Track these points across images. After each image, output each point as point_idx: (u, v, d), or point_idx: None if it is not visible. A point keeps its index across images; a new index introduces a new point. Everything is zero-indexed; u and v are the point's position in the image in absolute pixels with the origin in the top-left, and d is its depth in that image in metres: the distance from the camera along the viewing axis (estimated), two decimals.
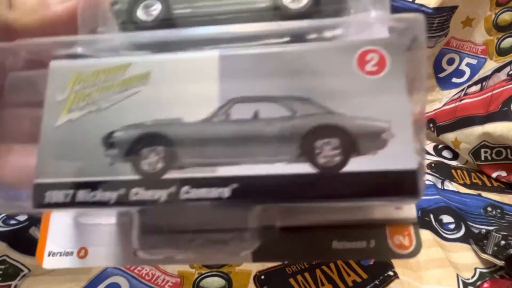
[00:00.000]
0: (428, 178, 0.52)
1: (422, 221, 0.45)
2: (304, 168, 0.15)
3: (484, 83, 0.56)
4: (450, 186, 0.52)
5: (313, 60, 0.16)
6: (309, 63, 0.16)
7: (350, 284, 0.36)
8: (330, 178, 0.15)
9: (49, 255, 0.20)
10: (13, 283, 0.35)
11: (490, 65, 0.62)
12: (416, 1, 0.59)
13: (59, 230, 0.21)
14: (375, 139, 0.15)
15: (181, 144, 0.15)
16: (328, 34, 0.17)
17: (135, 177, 0.15)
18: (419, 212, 0.46)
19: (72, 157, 0.16)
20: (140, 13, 0.18)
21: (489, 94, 0.52)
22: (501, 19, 0.61)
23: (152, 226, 0.18)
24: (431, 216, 0.46)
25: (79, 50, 0.18)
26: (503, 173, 0.52)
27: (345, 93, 0.15)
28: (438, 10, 0.59)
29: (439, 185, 0.52)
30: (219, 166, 0.15)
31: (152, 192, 0.15)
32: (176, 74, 0.16)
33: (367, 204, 0.17)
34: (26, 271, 0.36)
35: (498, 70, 0.55)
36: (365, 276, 0.37)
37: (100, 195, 0.15)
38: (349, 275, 0.37)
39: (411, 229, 0.20)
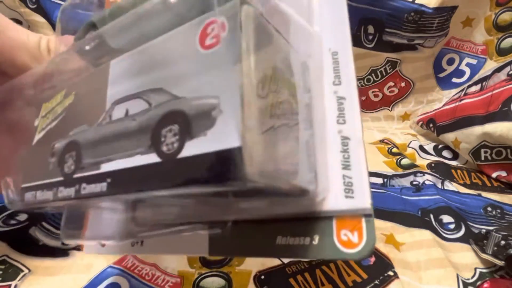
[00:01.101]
0: (428, 178, 0.52)
1: (422, 221, 0.45)
2: (152, 157, 0.14)
3: (484, 83, 0.56)
4: (450, 186, 0.52)
5: (167, 47, 0.15)
6: (163, 51, 0.16)
7: (350, 284, 0.36)
8: (169, 165, 0.14)
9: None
10: (13, 283, 0.35)
11: (490, 65, 0.62)
12: (416, 1, 0.59)
13: (93, 222, 0.24)
14: (205, 118, 0.13)
15: (84, 147, 0.17)
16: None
17: (61, 178, 0.18)
18: (419, 212, 0.46)
19: (37, 166, 0.20)
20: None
21: (489, 94, 0.52)
22: (501, 19, 0.61)
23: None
24: (431, 216, 0.46)
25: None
26: (503, 173, 0.52)
27: (188, 74, 0.14)
28: (438, 10, 0.59)
29: (439, 185, 0.52)
30: (102, 164, 0.16)
31: (68, 190, 0.17)
32: (86, 90, 0.19)
33: (205, 191, 0.15)
34: (26, 271, 0.36)
35: (498, 70, 0.55)
36: (365, 276, 0.37)
37: (46, 193, 0.18)
38: (349, 275, 0.37)
39: (362, 223, 0.17)
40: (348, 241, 0.17)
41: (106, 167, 0.16)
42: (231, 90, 0.13)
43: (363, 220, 0.17)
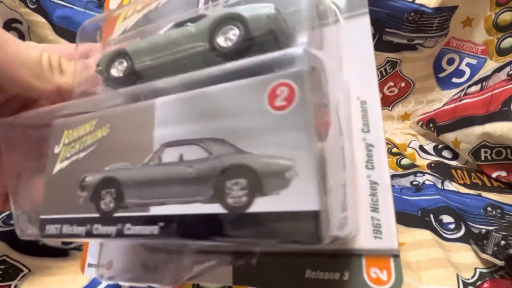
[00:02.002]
0: (428, 178, 0.52)
1: (422, 221, 0.45)
2: (216, 208, 0.15)
3: (484, 83, 0.56)
4: (450, 186, 0.52)
5: (228, 99, 0.16)
6: (225, 102, 0.16)
7: None
8: (237, 219, 0.14)
9: (88, 266, 0.25)
10: (13, 283, 0.35)
11: (490, 65, 0.62)
12: (416, 1, 0.59)
13: (95, 246, 0.25)
14: (278, 178, 0.14)
15: (127, 186, 0.17)
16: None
17: (96, 215, 0.18)
18: (419, 212, 0.46)
19: (61, 197, 0.19)
20: (113, 71, 0.22)
21: (489, 94, 0.52)
22: (501, 19, 0.61)
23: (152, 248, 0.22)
24: (431, 216, 0.46)
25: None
26: (503, 173, 0.52)
27: (255, 131, 0.15)
28: (438, 10, 0.59)
29: (439, 185, 0.52)
30: (152, 206, 0.17)
31: (106, 229, 0.17)
32: (126, 125, 0.18)
33: (271, 246, 0.17)
34: (26, 271, 0.36)
35: (498, 70, 0.55)
36: None
37: (76, 229, 0.18)
38: None
39: (391, 262, 0.18)
40: (378, 279, 0.17)
41: (157, 210, 0.16)
42: (308, 155, 0.13)
43: (392, 259, 0.18)
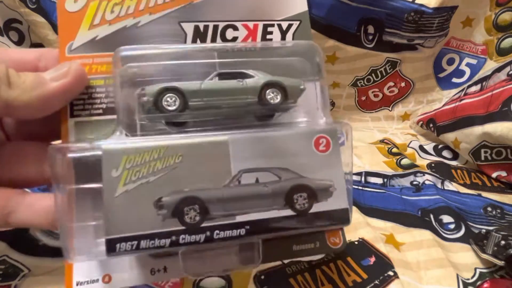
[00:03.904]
0: (428, 178, 0.52)
1: (422, 221, 0.45)
2: (288, 212, 0.24)
3: (484, 83, 0.56)
4: (450, 186, 0.52)
5: (288, 143, 0.25)
6: (285, 144, 0.25)
7: (350, 284, 0.36)
8: (304, 216, 0.25)
9: (77, 284, 0.25)
10: (13, 283, 0.35)
11: (490, 65, 0.62)
12: (416, 1, 0.59)
13: (83, 264, 0.25)
14: (325, 191, 0.25)
15: (211, 203, 0.23)
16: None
17: (181, 227, 0.22)
18: (419, 212, 0.46)
19: (132, 217, 0.22)
20: (165, 104, 0.25)
21: (489, 94, 0.52)
22: (501, 19, 0.61)
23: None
24: (431, 216, 0.46)
25: (122, 143, 0.24)
26: (503, 173, 0.52)
27: (307, 164, 0.25)
28: (438, 10, 0.59)
29: (439, 185, 0.52)
30: (237, 215, 0.23)
31: (194, 237, 0.23)
32: (201, 155, 0.23)
33: (324, 229, 0.28)
34: (26, 271, 0.36)
35: (498, 70, 0.55)
36: (365, 276, 0.37)
37: (158, 241, 0.22)
38: (349, 275, 0.37)
39: (340, 233, 0.29)
40: (334, 242, 0.29)
41: (242, 218, 0.23)
42: (340, 179, 0.25)
43: (340, 232, 0.30)
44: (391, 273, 0.37)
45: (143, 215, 0.22)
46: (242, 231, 0.23)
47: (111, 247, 0.21)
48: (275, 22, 0.30)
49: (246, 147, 0.24)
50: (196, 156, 0.23)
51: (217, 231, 0.23)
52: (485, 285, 0.37)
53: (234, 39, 0.29)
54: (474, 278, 0.38)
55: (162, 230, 0.22)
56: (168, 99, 0.25)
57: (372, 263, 0.38)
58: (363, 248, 0.40)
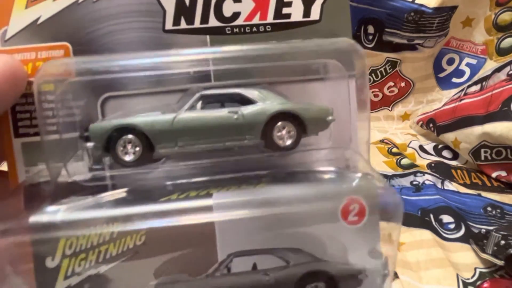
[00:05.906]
0: (428, 178, 0.52)
1: (422, 221, 0.45)
2: None
3: (484, 83, 0.56)
4: (450, 186, 0.52)
5: (300, 209, 0.17)
6: (296, 213, 0.17)
7: None
8: None
9: None
10: None
11: (490, 65, 0.62)
12: (416, 1, 0.59)
13: None
14: (352, 280, 0.17)
15: None
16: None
17: None
18: (419, 212, 0.46)
19: None
20: (121, 153, 0.17)
21: (489, 94, 0.52)
22: (501, 19, 0.61)
23: None
24: (431, 216, 0.46)
25: (58, 216, 0.15)
26: (503, 173, 0.52)
27: (331, 241, 0.17)
28: (438, 10, 0.59)
29: (439, 185, 0.52)
30: None
31: None
32: (174, 232, 0.15)
33: None
34: None
35: (498, 70, 0.55)
36: None
37: None
38: None
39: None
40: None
41: None
42: (376, 265, 0.16)
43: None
44: None
45: None
46: None
47: None
48: None
49: (239, 219, 0.16)
50: (165, 236, 0.16)
51: None
52: (485, 284, 0.37)
53: (235, 16, 0.20)
54: (474, 278, 0.38)
55: None
56: (125, 144, 0.17)
57: None
58: None
